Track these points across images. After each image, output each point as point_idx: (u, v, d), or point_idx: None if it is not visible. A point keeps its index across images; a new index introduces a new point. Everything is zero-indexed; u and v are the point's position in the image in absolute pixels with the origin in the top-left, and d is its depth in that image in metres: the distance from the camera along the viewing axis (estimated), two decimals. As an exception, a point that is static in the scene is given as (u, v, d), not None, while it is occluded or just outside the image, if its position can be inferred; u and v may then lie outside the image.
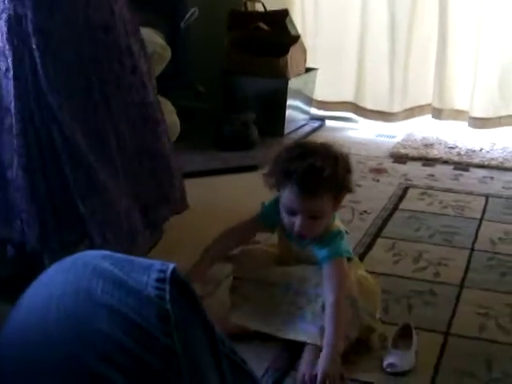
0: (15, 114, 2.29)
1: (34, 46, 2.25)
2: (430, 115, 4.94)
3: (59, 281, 0.79)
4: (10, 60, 2.28)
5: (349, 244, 2.29)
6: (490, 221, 3.35)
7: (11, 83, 2.28)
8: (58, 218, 2.36)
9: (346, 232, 2.29)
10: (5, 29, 2.27)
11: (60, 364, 0.72)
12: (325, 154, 2.15)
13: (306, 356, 2.17)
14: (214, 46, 4.83)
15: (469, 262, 2.89)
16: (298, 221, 2.14)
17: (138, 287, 0.78)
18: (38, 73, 2.27)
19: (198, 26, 4.64)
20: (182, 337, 0.77)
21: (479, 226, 3.28)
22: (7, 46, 2.28)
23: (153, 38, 3.18)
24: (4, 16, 2.26)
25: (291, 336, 2.23)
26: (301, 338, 2.21)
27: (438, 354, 2.25)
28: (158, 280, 0.79)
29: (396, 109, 4.96)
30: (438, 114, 4.87)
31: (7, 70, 2.30)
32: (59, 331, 0.74)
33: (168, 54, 3.18)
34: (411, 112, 5.00)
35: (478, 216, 3.40)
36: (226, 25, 4.81)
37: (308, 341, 2.19)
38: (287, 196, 2.15)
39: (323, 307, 2.16)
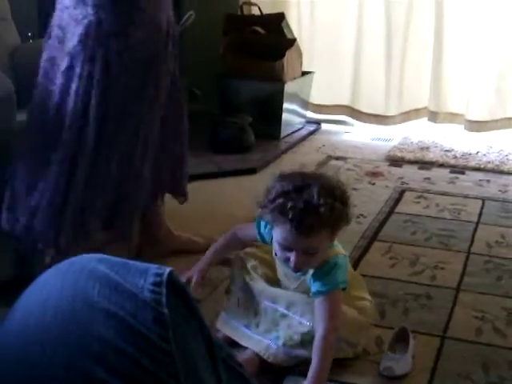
0: (69, 110, 2.38)
1: (114, 47, 2.38)
2: (426, 118, 4.95)
3: (56, 284, 0.79)
4: (79, 59, 2.37)
5: (346, 270, 2.18)
6: (486, 224, 3.35)
7: (75, 80, 2.37)
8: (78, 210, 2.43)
9: (345, 255, 2.22)
10: (82, 32, 2.37)
11: (56, 367, 0.72)
12: (322, 186, 2.04)
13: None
14: (211, 50, 4.84)
15: (465, 265, 2.89)
16: (292, 257, 2.05)
17: (135, 291, 0.77)
18: (109, 72, 2.38)
19: (194, 29, 4.63)
20: (178, 340, 0.76)
21: (475, 229, 3.28)
22: (79, 48, 2.37)
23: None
24: (85, 21, 2.37)
25: (250, 345, 2.21)
26: (258, 349, 2.18)
27: (435, 357, 2.25)
28: (154, 284, 0.78)
29: (392, 112, 4.96)
30: (434, 117, 4.88)
31: (69, 68, 2.39)
32: (56, 335, 0.74)
33: (164, 57, 3.17)
34: (407, 115, 5.01)
35: (475, 219, 3.40)
36: (222, 28, 4.81)
37: (262, 354, 2.16)
38: (281, 233, 2.05)
39: (301, 340, 2.12)
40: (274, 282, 2.31)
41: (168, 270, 0.81)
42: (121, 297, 0.77)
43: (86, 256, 0.83)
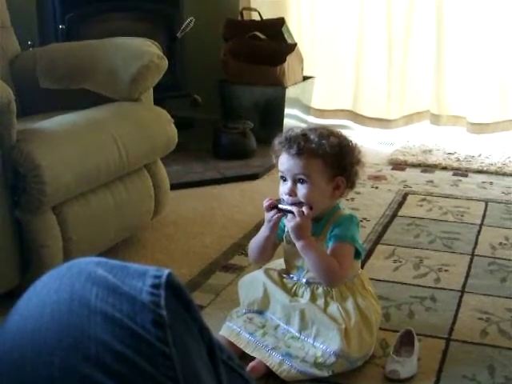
0: None
1: None
2: (428, 121, 4.94)
3: (53, 288, 0.78)
4: None
5: (359, 231, 2.25)
6: (489, 226, 3.34)
7: None
8: None
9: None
10: None
11: (54, 371, 0.71)
12: (325, 132, 2.20)
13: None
14: (211, 56, 4.84)
15: (469, 267, 2.88)
16: (287, 185, 2.17)
17: (133, 293, 0.76)
18: None
19: (194, 35, 4.64)
20: (177, 342, 0.75)
21: (479, 231, 3.27)
22: None
23: (149, 48, 3.18)
24: None
25: (258, 355, 2.19)
26: (270, 363, 2.16)
27: (440, 359, 2.24)
28: (152, 286, 0.77)
29: (394, 116, 4.96)
30: (436, 120, 4.88)
31: None
32: (53, 338, 0.73)
33: (165, 64, 3.17)
34: (409, 118, 5.00)
35: (478, 221, 3.39)
36: (222, 34, 4.81)
37: (274, 369, 2.14)
38: (280, 162, 2.21)
39: (315, 363, 2.12)
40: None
41: (167, 271, 0.80)
42: (119, 299, 0.76)
43: (83, 259, 0.82)
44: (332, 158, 2.16)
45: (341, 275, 2.18)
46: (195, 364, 0.79)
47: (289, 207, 2.15)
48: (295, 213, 2.11)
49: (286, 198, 2.18)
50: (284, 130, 2.26)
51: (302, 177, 2.15)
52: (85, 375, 0.71)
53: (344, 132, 2.31)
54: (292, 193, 2.16)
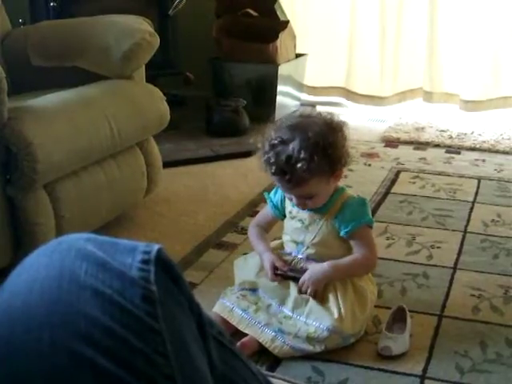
0: None
1: None
2: (421, 99, 4.94)
3: (42, 264, 0.78)
4: None
5: (369, 209, 2.27)
6: (482, 203, 3.34)
7: None
8: None
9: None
10: None
11: (43, 347, 0.71)
12: (306, 139, 2.08)
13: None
14: (203, 33, 4.82)
15: (462, 244, 2.89)
16: (294, 200, 2.18)
17: (123, 269, 0.76)
18: None
19: (186, 12, 4.62)
20: (167, 318, 0.75)
21: (472, 208, 3.28)
22: None
23: (141, 25, 3.16)
24: None
25: (250, 332, 2.19)
26: (262, 339, 2.16)
27: (433, 336, 2.24)
28: (142, 261, 0.77)
29: (387, 93, 4.95)
30: (429, 97, 4.87)
31: None
32: (42, 314, 0.73)
33: (156, 41, 3.15)
34: (402, 96, 5.00)
35: (471, 199, 3.40)
36: (214, 11, 4.79)
37: (266, 345, 2.15)
38: (275, 181, 2.18)
39: (307, 338, 2.13)
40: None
41: (156, 247, 0.79)
42: (108, 275, 0.75)
43: (73, 235, 0.82)
44: (325, 171, 2.12)
45: (373, 260, 2.26)
46: (185, 339, 0.79)
47: (296, 275, 2.21)
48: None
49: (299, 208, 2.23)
50: (267, 135, 2.15)
51: (307, 196, 2.15)
52: (74, 351, 0.71)
53: (326, 114, 2.23)
54: (304, 206, 2.19)
